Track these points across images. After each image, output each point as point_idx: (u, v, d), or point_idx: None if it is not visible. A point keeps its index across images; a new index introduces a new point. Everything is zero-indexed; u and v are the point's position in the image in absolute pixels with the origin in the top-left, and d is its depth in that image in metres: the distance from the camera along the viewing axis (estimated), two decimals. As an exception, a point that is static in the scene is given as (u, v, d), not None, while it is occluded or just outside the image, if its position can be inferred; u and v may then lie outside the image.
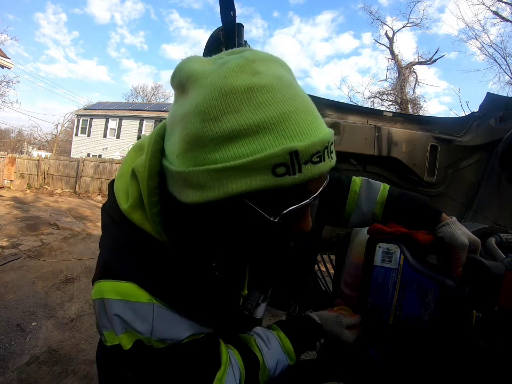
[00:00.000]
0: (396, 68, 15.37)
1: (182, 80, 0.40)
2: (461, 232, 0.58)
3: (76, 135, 21.07)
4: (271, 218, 0.38)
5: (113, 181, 0.54)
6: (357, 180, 0.72)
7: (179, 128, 0.39)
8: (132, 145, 0.55)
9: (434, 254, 0.62)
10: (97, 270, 0.50)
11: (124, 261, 0.46)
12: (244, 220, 0.41)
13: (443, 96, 42.50)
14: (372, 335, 0.64)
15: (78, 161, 13.62)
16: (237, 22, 0.51)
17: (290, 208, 0.38)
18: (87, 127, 20.52)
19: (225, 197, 0.37)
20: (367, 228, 0.67)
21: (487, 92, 1.80)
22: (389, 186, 0.71)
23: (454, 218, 0.62)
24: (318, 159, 0.36)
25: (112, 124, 20.07)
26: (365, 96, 15.93)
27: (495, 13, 12.52)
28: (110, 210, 0.50)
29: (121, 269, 0.46)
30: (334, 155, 0.40)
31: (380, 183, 0.72)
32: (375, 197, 0.69)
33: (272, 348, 0.54)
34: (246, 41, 1.04)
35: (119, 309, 0.45)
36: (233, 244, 0.46)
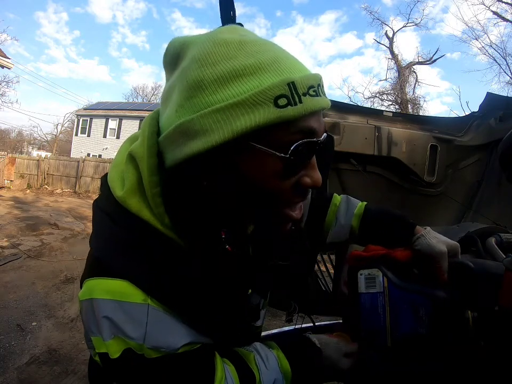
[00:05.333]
0: (396, 68, 15.39)
1: (176, 49, 0.42)
2: (436, 240, 0.58)
3: (76, 135, 21.07)
4: (281, 154, 0.38)
5: (105, 175, 0.50)
6: (338, 196, 0.77)
7: (176, 88, 0.40)
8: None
9: (416, 268, 0.62)
10: (86, 268, 0.46)
11: (117, 255, 0.42)
12: (253, 166, 0.39)
13: (445, 97, 42.58)
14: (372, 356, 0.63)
15: (78, 161, 13.63)
16: (237, 21, 0.51)
17: (299, 143, 0.38)
18: (87, 127, 20.52)
19: (231, 137, 0.36)
20: None
21: (487, 92, 1.80)
22: (366, 202, 0.74)
23: (428, 228, 0.62)
24: (314, 93, 0.38)
25: (112, 124, 20.07)
26: (365, 96, 15.96)
27: (495, 13, 12.54)
28: (102, 203, 0.47)
29: (114, 264, 0.41)
30: (326, 96, 0.41)
31: (359, 201, 0.75)
32: (353, 210, 0.72)
33: (270, 367, 0.52)
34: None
35: (109, 310, 0.40)
36: (245, 198, 0.42)
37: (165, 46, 0.44)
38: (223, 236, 0.48)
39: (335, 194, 0.77)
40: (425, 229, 0.62)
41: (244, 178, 0.40)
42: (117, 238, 0.43)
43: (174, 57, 0.42)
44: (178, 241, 0.43)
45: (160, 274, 0.42)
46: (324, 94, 0.40)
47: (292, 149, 0.38)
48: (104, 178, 0.49)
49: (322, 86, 0.41)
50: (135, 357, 0.40)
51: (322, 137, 0.41)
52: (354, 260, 0.64)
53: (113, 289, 0.41)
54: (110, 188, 0.46)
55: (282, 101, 0.36)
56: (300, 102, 0.37)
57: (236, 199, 0.42)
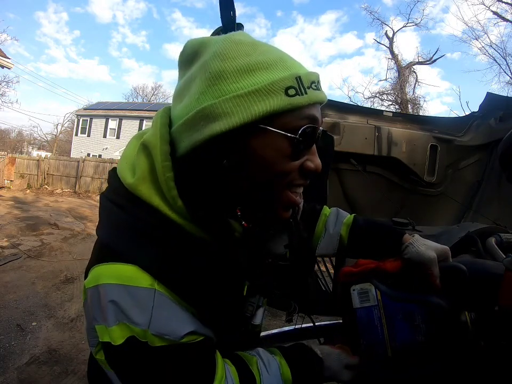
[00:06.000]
0: (396, 68, 15.39)
1: (194, 48, 0.46)
2: (425, 247, 0.59)
3: (76, 135, 21.06)
4: (291, 135, 0.43)
5: (113, 168, 0.51)
6: (328, 208, 0.80)
7: (197, 79, 0.44)
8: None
9: (408, 277, 0.61)
10: (92, 256, 0.46)
11: (126, 241, 0.43)
12: (266, 147, 0.43)
13: (445, 97, 42.41)
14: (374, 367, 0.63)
15: (78, 161, 13.63)
16: (237, 21, 0.52)
17: (306, 126, 0.44)
18: (87, 127, 20.50)
19: (249, 120, 0.41)
20: None
21: (487, 92, 1.80)
22: (355, 214, 0.76)
23: (416, 236, 0.62)
24: (316, 87, 0.45)
25: (112, 124, 20.07)
26: (365, 96, 15.96)
27: (495, 13, 12.54)
28: (111, 194, 0.48)
29: (122, 249, 0.43)
30: (324, 92, 0.48)
31: (348, 213, 0.77)
32: (342, 220, 0.74)
33: (272, 373, 0.53)
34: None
35: (116, 294, 0.40)
36: (256, 178, 0.45)
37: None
38: (239, 213, 0.50)
39: (325, 206, 0.79)
40: (413, 236, 0.62)
41: (257, 158, 0.44)
42: (125, 225, 0.44)
43: (191, 55, 0.46)
44: (188, 227, 0.45)
45: (169, 259, 0.43)
46: (322, 90, 0.47)
47: (300, 131, 0.43)
48: (112, 171, 0.51)
49: (320, 83, 0.47)
50: (138, 345, 0.40)
51: (321, 128, 0.48)
52: (345, 276, 0.65)
53: (120, 273, 0.41)
54: (119, 178, 0.47)
55: (291, 91, 0.42)
56: (306, 93, 0.43)
57: (248, 179, 0.45)
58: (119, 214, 0.45)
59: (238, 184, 0.46)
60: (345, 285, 0.65)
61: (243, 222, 0.49)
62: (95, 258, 0.45)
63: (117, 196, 0.47)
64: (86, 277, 0.46)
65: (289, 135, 0.43)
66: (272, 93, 0.41)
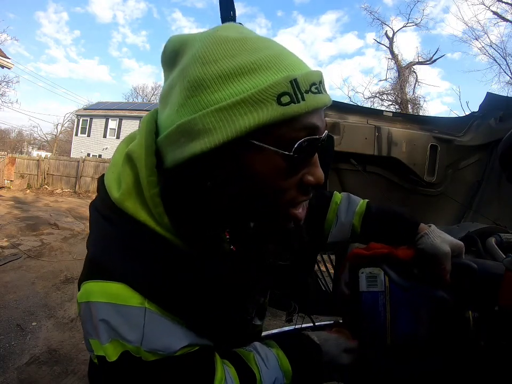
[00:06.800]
0: (396, 68, 15.39)
1: (175, 47, 0.41)
2: (440, 240, 0.58)
3: (76, 135, 21.07)
4: (285, 152, 0.37)
5: (102, 176, 0.49)
6: (339, 194, 0.76)
7: (176, 87, 0.39)
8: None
9: (418, 267, 0.61)
10: (84, 270, 0.45)
11: (114, 258, 0.41)
12: (256, 165, 0.38)
13: (445, 97, 42.53)
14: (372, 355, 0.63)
15: (78, 161, 13.63)
16: (237, 21, 0.52)
17: (302, 140, 0.37)
18: (87, 127, 20.52)
19: (234, 137, 0.36)
20: None
21: (487, 92, 1.79)
22: (368, 200, 0.73)
23: (432, 226, 0.61)
24: (316, 90, 0.38)
25: (112, 124, 20.08)
26: (365, 96, 15.96)
27: (495, 13, 12.54)
28: (99, 204, 0.46)
29: (111, 267, 0.41)
30: (327, 93, 0.41)
31: (360, 199, 0.74)
32: (354, 208, 0.71)
33: (271, 366, 0.52)
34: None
35: (106, 313, 0.39)
36: (248, 198, 0.41)
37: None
38: (228, 237, 0.47)
39: (335, 192, 0.76)
40: (429, 226, 0.61)
41: (247, 177, 0.39)
42: (113, 240, 0.43)
43: (173, 55, 0.42)
44: (176, 242, 0.43)
45: (158, 277, 0.41)
46: (325, 91, 0.40)
47: (295, 146, 0.37)
48: (101, 180, 0.48)
49: (324, 83, 0.40)
50: (132, 360, 0.40)
51: (324, 134, 0.41)
52: (355, 258, 0.64)
53: (110, 292, 0.40)
54: (106, 189, 0.45)
55: (285, 99, 0.36)
56: (303, 99, 0.36)
57: (239, 199, 0.41)
58: (107, 228, 0.43)
59: (227, 201, 0.42)
60: (353, 267, 0.64)
61: (232, 247, 0.47)
62: (85, 273, 0.44)
63: (105, 208, 0.44)
64: (79, 289, 0.45)
65: (282, 152, 0.37)
66: (261, 103, 0.35)
